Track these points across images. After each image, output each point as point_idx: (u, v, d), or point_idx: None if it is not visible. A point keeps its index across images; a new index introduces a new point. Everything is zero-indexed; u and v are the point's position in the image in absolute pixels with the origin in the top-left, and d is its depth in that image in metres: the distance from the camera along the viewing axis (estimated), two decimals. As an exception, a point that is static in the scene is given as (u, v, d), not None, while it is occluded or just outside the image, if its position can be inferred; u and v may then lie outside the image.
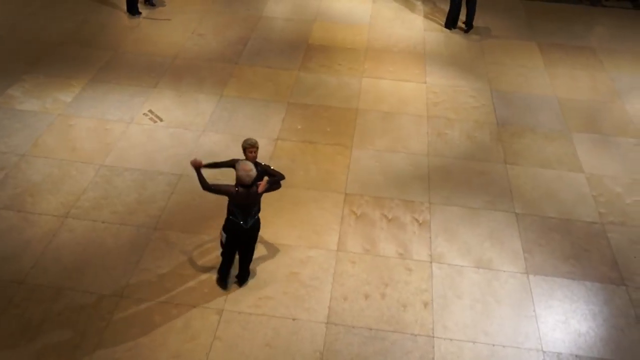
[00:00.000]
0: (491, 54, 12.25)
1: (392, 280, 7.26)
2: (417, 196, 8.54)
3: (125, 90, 10.39)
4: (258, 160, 6.81)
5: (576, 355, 6.56)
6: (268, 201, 8.22)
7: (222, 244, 6.82)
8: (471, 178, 8.93)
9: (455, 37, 12.82)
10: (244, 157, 6.71)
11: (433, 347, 6.53)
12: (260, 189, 6.41)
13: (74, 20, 12.57)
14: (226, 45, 11.99)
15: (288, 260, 7.42)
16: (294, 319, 6.73)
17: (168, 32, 12.33)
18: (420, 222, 8.12)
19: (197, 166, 6.43)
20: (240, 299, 6.91)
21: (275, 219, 7.98)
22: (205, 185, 6.33)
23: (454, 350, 6.50)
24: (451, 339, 6.62)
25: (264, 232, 7.73)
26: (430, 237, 7.89)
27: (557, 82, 11.44)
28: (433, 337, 6.63)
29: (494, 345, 6.60)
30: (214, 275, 7.10)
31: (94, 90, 10.33)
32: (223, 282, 7.03)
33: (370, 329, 6.68)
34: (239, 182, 6.30)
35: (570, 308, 7.08)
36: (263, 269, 7.28)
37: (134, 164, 8.79)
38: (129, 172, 8.63)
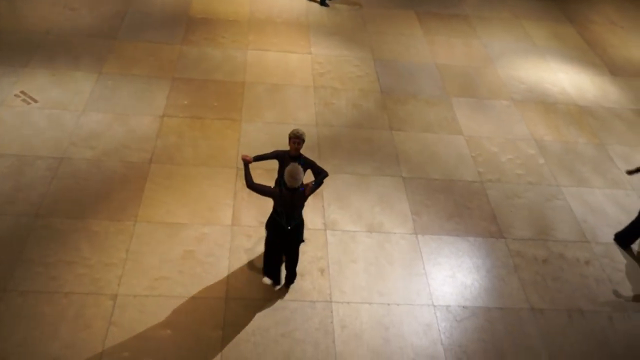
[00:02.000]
0: (372, 24, 12.52)
1: (289, 251, 7.35)
2: (308, 166, 8.65)
3: (-9, 71, 9.65)
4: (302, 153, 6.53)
5: (463, 306, 7.00)
6: (157, 180, 8.03)
7: (265, 243, 6.59)
8: (359, 146, 9.17)
9: (337, 7, 12.96)
10: (287, 148, 6.25)
11: (332, 311, 6.72)
12: (307, 193, 6.11)
13: None
14: (102, 20, 11.40)
15: (182, 239, 7.31)
16: (192, 298, 6.67)
17: (35, 5, 11.53)
18: (313, 191, 8.25)
19: (247, 162, 6.13)
20: (134, 282, 6.74)
21: (166, 198, 7.80)
22: (250, 183, 6.00)
23: (351, 313, 6.73)
24: (348, 302, 6.85)
25: (154, 213, 7.55)
26: (323, 206, 8.05)
27: (435, 49, 11.91)
28: (331, 302, 6.82)
29: (389, 304, 6.89)
30: (105, 260, 6.86)
31: (-44, 72, 9.53)
32: (274, 280, 6.88)
33: (270, 300, 6.75)
34: (286, 184, 6.01)
35: (456, 263, 7.52)
36: (156, 249, 7.13)
37: (8, 149, 8.22)
38: (3, 158, 8.08)
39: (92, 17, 11.44)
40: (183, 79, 10.07)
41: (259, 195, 8.02)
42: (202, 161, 8.48)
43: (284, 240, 6.42)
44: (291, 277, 6.89)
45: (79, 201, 7.60)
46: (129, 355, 6.06)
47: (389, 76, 10.90)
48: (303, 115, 9.64)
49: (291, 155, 6.39)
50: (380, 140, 9.33)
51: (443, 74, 11.17)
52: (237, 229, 7.54)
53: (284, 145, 8.93)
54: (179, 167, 8.27)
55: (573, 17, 13.85)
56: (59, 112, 8.99)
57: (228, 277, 6.95)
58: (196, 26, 11.59)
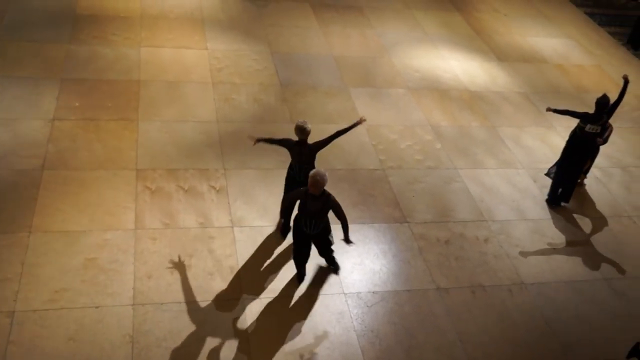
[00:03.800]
0: (268, 17, 12.47)
1: (196, 251, 7.22)
2: (211, 164, 8.52)
3: None
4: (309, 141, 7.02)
5: (373, 292, 7.16)
6: (51, 187, 7.64)
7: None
8: (262, 140, 9.12)
9: (231, 1, 12.80)
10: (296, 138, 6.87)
11: (244, 308, 6.66)
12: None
13: None
14: (-22, 19, 10.65)
15: (82, 247, 6.99)
16: (97, 307, 6.40)
17: None
18: (218, 189, 8.14)
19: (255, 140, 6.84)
20: (32, 296, 6.38)
21: (62, 205, 7.43)
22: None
23: (264, 308, 6.71)
24: (261, 298, 6.82)
25: (50, 222, 7.18)
26: (229, 203, 7.95)
27: (331, 40, 12.05)
28: (242, 298, 6.76)
29: (300, 296, 6.93)
30: (-2, 276, 6.45)
31: None
32: (298, 274, 7.11)
33: (180, 302, 6.60)
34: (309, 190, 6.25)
35: (364, 250, 7.67)
36: (54, 260, 6.78)
37: None
38: None
39: (-33, 16, 10.67)
40: (73, 80, 9.60)
41: (163, 197, 7.82)
42: (99, 164, 8.14)
43: (307, 240, 6.72)
44: (333, 265, 7.30)
45: (-35, 215, 7.09)
46: (32, 374, 5.74)
47: (287, 69, 10.92)
48: (203, 112, 9.47)
49: (299, 143, 6.93)
50: (282, 134, 9.31)
51: (340, 64, 11.33)
52: (141, 232, 7.31)
53: (187, 143, 8.74)
54: (74, 172, 7.89)
55: (460, 6, 14.44)
56: None
57: (134, 282, 6.72)
58: (84, 24, 11.07)
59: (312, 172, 6.10)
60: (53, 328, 6.14)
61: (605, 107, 8.19)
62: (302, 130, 6.79)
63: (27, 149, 8.16)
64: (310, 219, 6.41)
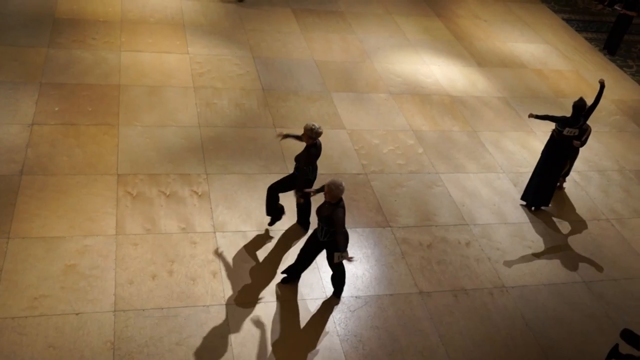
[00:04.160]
0: (249, 22, 12.46)
1: (178, 256, 7.17)
2: (193, 169, 8.47)
3: None
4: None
5: (356, 296, 7.16)
6: (30, 192, 7.54)
7: None
8: (244, 145, 9.10)
9: (213, 6, 12.77)
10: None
11: (226, 314, 6.63)
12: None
13: None
14: (-45, 22, 10.50)
15: (61, 253, 6.90)
16: (77, 314, 6.32)
17: None
18: (200, 194, 8.09)
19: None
20: (10, 303, 6.28)
21: (41, 211, 7.33)
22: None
23: (246, 314, 6.67)
24: (243, 303, 6.78)
25: (29, 227, 7.08)
26: (211, 208, 7.91)
27: (313, 45, 12.07)
28: (225, 304, 6.73)
29: (283, 301, 6.90)
30: (-25, 283, 6.34)
31: None
32: (289, 272, 7.07)
33: (162, 309, 6.55)
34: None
35: (346, 255, 7.66)
36: (33, 266, 6.68)
37: None
38: None
39: (-57, 20, 10.52)
40: (52, 84, 9.50)
41: (144, 202, 7.75)
42: (79, 170, 8.06)
43: (317, 245, 6.68)
44: (335, 291, 7.07)
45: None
46: (10, 383, 5.65)
47: (269, 74, 10.91)
48: (184, 116, 9.42)
49: (315, 145, 7.11)
50: (264, 139, 9.32)
51: (322, 69, 11.35)
52: (122, 238, 7.24)
53: (169, 148, 8.69)
54: (53, 178, 7.80)
55: (440, 12, 14.56)
56: None
57: (115, 288, 6.65)
58: (63, 27, 10.97)
59: (329, 182, 6.27)
60: (32, 335, 6.05)
61: (582, 110, 8.31)
62: (319, 133, 6.99)
63: (5, 154, 8.05)
64: (321, 223, 6.47)
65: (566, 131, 8.38)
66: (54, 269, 6.72)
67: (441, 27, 13.84)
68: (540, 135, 10.63)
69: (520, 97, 11.73)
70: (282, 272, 7.12)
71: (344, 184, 6.27)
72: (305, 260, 6.86)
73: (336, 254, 6.48)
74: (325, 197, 6.36)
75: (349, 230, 7.95)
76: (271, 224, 7.68)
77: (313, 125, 6.94)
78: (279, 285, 7.07)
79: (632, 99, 12.58)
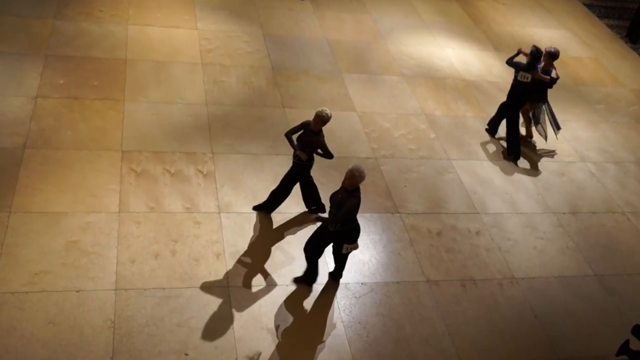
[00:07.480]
0: (261, -2, 12.19)
1: (182, 236, 7.03)
2: (199, 147, 8.30)
3: None
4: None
5: (362, 283, 7.01)
6: (33, 166, 7.41)
7: None
8: (252, 124, 8.91)
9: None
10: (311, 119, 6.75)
11: (229, 296, 6.49)
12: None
13: None
14: (-39, -10, 10.31)
15: (63, 229, 6.77)
16: (78, 291, 6.21)
17: None
18: (205, 173, 7.93)
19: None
20: (10, 278, 6.17)
21: (43, 185, 7.20)
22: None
23: (249, 297, 6.54)
24: (246, 286, 6.65)
25: (31, 202, 6.95)
26: (216, 188, 7.75)
27: (325, 24, 11.80)
28: (228, 286, 6.59)
29: (287, 285, 6.76)
30: (-26, 257, 6.23)
31: None
32: (306, 275, 6.83)
33: (164, 289, 6.42)
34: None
35: (353, 240, 7.50)
36: (35, 241, 6.56)
37: None
38: None
39: (-50, -13, 10.32)
40: (58, 57, 9.31)
41: (148, 180, 7.61)
42: (83, 144, 7.90)
43: (326, 234, 6.42)
44: (335, 273, 6.92)
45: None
46: (11, 358, 5.54)
47: (279, 52, 10.67)
48: (191, 94, 9.23)
49: (313, 130, 6.77)
50: (273, 119, 9.12)
51: (334, 49, 11.10)
52: (125, 216, 7.10)
53: (175, 125, 8.52)
54: (57, 152, 7.66)
55: (457, -6, 14.21)
56: None
57: (117, 266, 6.53)
58: (71, -1, 10.76)
59: (352, 166, 6.04)
60: (32, 311, 5.95)
61: (538, 59, 8.84)
62: (327, 120, 6.73)
63: (9, 127, 7.90)
64: (332, 208, 6.24)
65: (520, 76, 8.89)
66: (56, 244, 6.60)
67: (458, 9, 13.51)
68: (555, 123, 10.36)
69: (536, 84, 11.43)
70: (295, 280, 6.87)
71: (366, 171, 6.06)
72: (317, 244, 6.58)
73: (345, 245, 6.32)
74: (343, 183, 6.10)
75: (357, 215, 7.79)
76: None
77: (326, 111, 6.68)
78: (284, 269, 6.91)
79: (651, 89, 12.27)
